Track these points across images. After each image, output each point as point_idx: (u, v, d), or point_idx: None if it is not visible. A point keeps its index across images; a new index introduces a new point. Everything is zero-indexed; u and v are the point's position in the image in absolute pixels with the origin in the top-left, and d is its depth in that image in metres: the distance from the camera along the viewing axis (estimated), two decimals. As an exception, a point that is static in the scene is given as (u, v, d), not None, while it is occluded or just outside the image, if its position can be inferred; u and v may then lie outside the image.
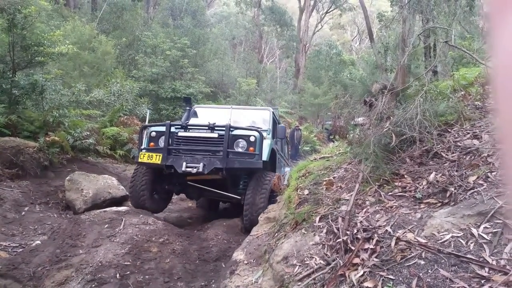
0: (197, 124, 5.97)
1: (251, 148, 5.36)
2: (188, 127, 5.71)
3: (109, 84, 12.27)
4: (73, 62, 12.87)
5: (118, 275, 3.75)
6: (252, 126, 6.15)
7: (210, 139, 5.51)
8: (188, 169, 5.18)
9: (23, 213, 5.84)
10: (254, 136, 5.40)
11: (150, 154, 5.40)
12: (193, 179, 5.80)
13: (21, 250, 4.57)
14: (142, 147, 5.72)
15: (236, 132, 5.49)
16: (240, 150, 5.42)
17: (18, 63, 8.18)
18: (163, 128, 5.61)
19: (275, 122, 7.11)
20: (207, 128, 5.54)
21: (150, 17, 22.20)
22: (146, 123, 6.19)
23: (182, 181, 5.95)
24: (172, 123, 5.68)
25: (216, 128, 5.48)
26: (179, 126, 5.71)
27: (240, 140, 5.46)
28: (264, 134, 5.72)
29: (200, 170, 5.14)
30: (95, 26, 16.31)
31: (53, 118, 8.26)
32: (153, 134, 5.74)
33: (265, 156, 5.50)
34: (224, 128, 5.36)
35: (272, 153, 6.10)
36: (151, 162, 5.36)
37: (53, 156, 7.52)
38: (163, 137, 5.55)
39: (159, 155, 5.32)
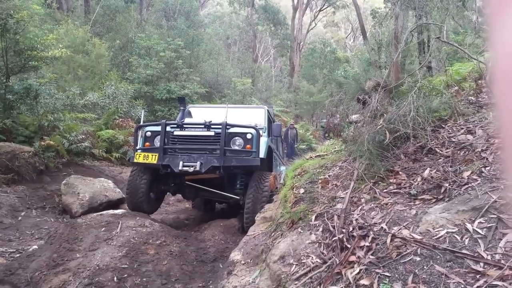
0: (193, 123, 5.88)
1: (248, 146, 5.29)
2: (184, 126, 5.61)
3: (103, 86, 12.24)
4: (67, 65, 12.86)
5: (115, 278, 3.74)
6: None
7: (207, 137, 5.43)
8: (185, 168, 5.10)
9: (20, 218, 5.82)
10: (251, 133, 5.33)
11: (146, 154, 5.32)
12: (191, 179, 5.75)
13: (18, 255, 4.55)
14: (138, 147, 5.63)
15: (232, 129, 5.41)
16: (237, 147, 5.35)
17: (12, 68, 8.15)
18: (158, 128, 5.51)
19: (270, 120, 7.07)
20: (203, 126, 5.46)
21: (143, 19, 22.16)
22: (141, 123, 6.14)
23: (180, 181, 5.89)
24: (167, 122, 5.58)
25: (212, 126, 5.40)
26: (175, 125, 5.62)
27: (236, 137, 5.40)
28: (260, 132, 5.67)
29: (197, 169, 5.05)
30: (88, 29, 16.28)
31: (48, 122, 8.24)
32: (148, 134, 5.64)
33: (262, 153, 5.43)
34: (220, 126, 5.29)
35: (269, 151, 6.04)
36: (147, 162, 5.29)
37: (49, 160, 7.51)
38: (158, 136, 5.44)
39: (155, 155, 5.24)
